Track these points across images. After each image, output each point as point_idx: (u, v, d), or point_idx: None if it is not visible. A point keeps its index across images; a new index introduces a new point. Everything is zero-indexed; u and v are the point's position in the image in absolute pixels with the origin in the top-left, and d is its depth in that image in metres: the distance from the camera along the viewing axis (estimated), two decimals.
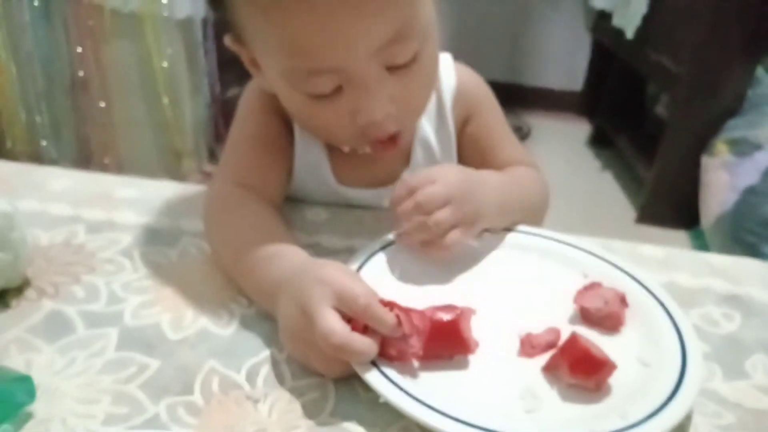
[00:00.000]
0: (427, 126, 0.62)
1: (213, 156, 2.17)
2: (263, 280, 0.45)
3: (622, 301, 0.46)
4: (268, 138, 0.58)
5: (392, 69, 0.47)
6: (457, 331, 0.40)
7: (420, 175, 0.49)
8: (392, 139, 0.52)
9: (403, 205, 0.48)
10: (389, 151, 0.53)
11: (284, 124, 0.60)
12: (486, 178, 0.54)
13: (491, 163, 0.63)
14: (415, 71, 0.48)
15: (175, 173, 2.06)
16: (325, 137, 0.55)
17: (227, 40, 0.51)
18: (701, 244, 1.83)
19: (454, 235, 0.48)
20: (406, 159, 0.63)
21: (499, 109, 0.67)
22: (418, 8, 0.46)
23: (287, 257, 0.45)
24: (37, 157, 2.12)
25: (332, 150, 0.61)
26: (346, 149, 0.55)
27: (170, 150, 2.04)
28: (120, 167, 2.09)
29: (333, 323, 0.37)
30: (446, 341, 0.40)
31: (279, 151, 0.59)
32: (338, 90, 0.47)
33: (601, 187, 2.27)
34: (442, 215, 0.47)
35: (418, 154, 0.63)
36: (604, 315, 0.45)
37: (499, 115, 0.66)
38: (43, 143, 2.10)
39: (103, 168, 2.10)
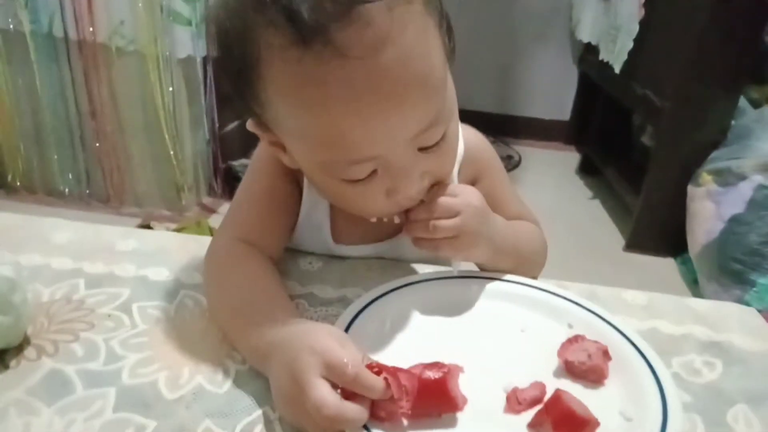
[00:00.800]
0: None
1: (211, 189, 2.19)
2: (257, 342, 0.46)
3: (605, 354, 0.47)
4: (275, 198, 0.60)
5: (423, 149, 0.49)
6: (445, 390, 0.41)
7: (450, 187, 0.54)
8: None
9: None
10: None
11: (293, 184, 0.61)
12: (496, 217, 0.59)
13: None
14: (443, 148, 0.50)
15: (176, 205, 2.08)
16: (356, 212, 0.56)
17: (249, 125, 0.52)
18: (689, 270, 1.85)
19: (446, 243, 0.53)
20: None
21: (503, 169, 0.69)
22: (447, 92, 0.49)
23: (280, 320, 0.46)
24: (37, 191, 2.14)
25: (335, 210, 0.62)
26: (373, 220, 0.57)
27: (171, 183, 2.07)
28: (122, 200, 2.12)
29: (324, 394, 0.38)
30: (435, 399, 0.41)
31: (284, 211, 0.61)
32: (373, 173, 0.48)
33: (589, 214, 2.30)
34: (445, 223, 0.52)
35: None
36: (588, 368, 0.47)
37: (504, 175, 0.69)
38: (47, 177, 2.12)
39: (106, 200, 2.12)
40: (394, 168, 0.48)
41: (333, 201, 0.58)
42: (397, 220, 0.55)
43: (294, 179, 0.61)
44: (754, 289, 1.56)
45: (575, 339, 0.49)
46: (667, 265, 1.95)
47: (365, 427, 0.39)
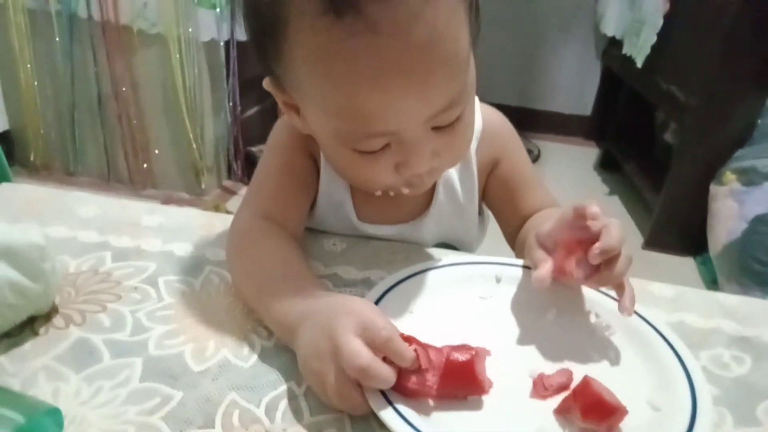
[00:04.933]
0: (451, 169, 0.64)
1: (231, 172, 2.21)
2: (285, 314, 0.46)
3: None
4: (294, 174, 0.60)
5: (437, 128, 0.49)
6: (472, 372, 0.41)
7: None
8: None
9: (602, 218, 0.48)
10: (417, 192, 0.55)
11: (311, 161, 0.62)
12: None
13: (519, 204, 0.65)
14: (457, 128, 0.50)
15: (196, 188, 2.10)
16: (362, 184, 0.57)
17: (265, 84, 0.52)
18: (708, 270, 1.83)
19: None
20: (429, 198, 0.64)
21: (524, 149, 0.68)
22: (468, 73, 0.49)
23: (309, 292, 0.47)
24: (60, 171, 2.16)
25: (355, 188, 0.62)
26: (378, 193, 0.57)
27: (191, 166, 2.08)
28: (143, 182, 2.14)
29: (359, 346, 0.39)
30: (461, 381, 0.41)
31: (304, 187, 0.61)
32: (386, 146, 0.48)
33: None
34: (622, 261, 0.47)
35: (440, 194, 0.64)
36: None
37: (525, 155, 0.68)
38: (68, 157, 2.14)
39: (126, 182, 2.14)
40: (407, 144, 0.48)
41: (340, 169, 0.58)
42: (405, 191, 0.55)
43: (311, 157, 0.61)
44: None
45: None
46: (686, 264, 1.93)
47: (390, 402, 0.39)
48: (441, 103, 0.46)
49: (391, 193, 0.56)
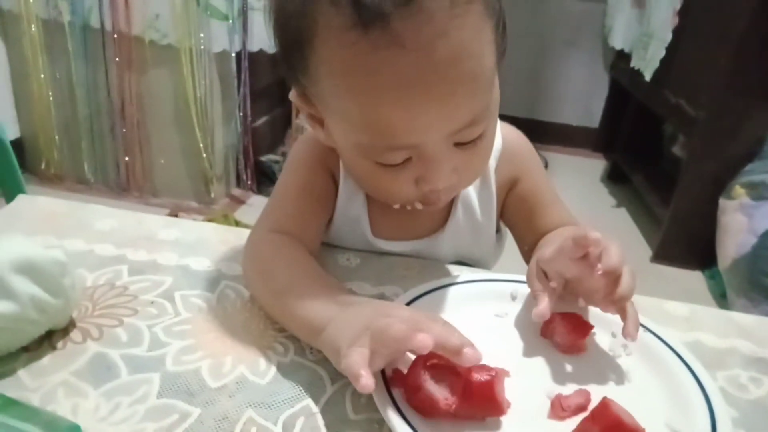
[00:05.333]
0: (470, 187, 0.64)
1: (241, 181, 2.22)
2: (313, 314, 0.46)
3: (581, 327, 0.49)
4: (313, 190, 0.60)
5: (459, 144, 0.49)
6: (492, 393, 0.41)
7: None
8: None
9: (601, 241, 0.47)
10: (433, 207, 0.56)
11: (329, 178, 0.62)
12: None
13: (537, 222, 0.65)
14: (478, 146, 0.50)
15: (205, 197, 2.12)
16: (381, 197, 0.57)
17: (292, 96, 0.53)
18: (717, 284, 1.82)
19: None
20: (446, 215, 0.65)
21: (543, 167, 0.68)
22: (493, 92, 0.49)
23: (338, 294, 0.48)
24: (71, 180, 2.18)
25: (372, 204, 0.63)
26: (396, 206, 0.57)
27: (200, 175, 2.10)
28: (153, 191, 2.15)
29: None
30: (480, 402, 0.41)
31: (322, 203, 0.61)
32: (407, 160, 0.49)
33: (616, 223, 2.27)
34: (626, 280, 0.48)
35: (459, 211, 0.64)
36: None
37: (544, 174, 0.68)
38: (79, 166, 2.16)
39: (136, 190, 2.15)
40: (428, 158, 0.48)
41: (360, 182, 0.58)
42: (419, 206, 0.55)
43: (330, 174, 0.62)
44: None
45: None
46: (695, 277, 1.92)
47: (408, 423, 0.39)
48: (463, 119, 0.46)
49: (408, 207, 0.57)
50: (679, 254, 1.97)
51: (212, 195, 2.11)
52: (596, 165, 2.79)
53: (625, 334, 0.47)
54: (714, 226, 1.84)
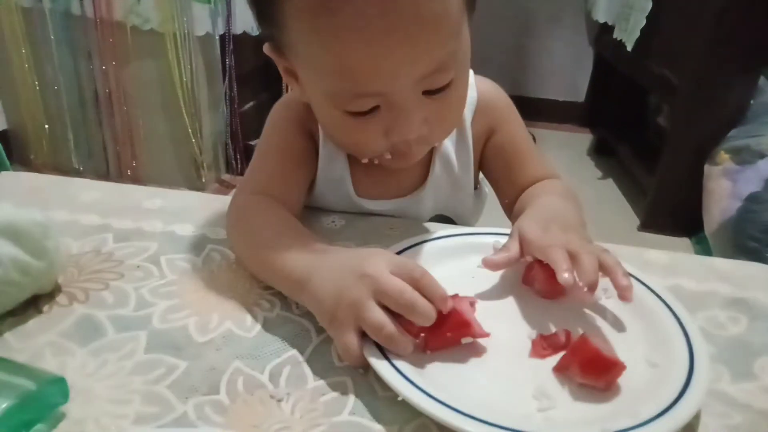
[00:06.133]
0: (446, 140, 0.64)
1: (230, 166, 2.21)
2: (292, 267, 0.47)
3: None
4: (293, 151, 0.61)
5: (428, 93, 0.49)
6: (457, 313, 0.42)
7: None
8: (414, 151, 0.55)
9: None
10: (407, 162, 0.56)
11: (309, 139, 0.62)
12: (568, 217, 0.55)
13: (516, 174, 0.65)
14: (449, 96, 0.51)
15: (195, 183, 2.11)
16: (351, 150, 0.58)
17: (266, 48, 0.53)
18: (704, 250, 1.84)
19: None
20: (425, 172, 0.65)
21: (521, 120, 0.68)
22: (461, 41, 0.49)
23: (316, 246, 0.48)
24: (59, 169, 2.17)
25: (353, 164, 0.63)
26: (365, 160, 0.58)
27: (190, 161, 2.09)
28: (142, 178, 2.14)
29: (381, 317, 0.41)
30: (449, 324, 0.42)
31: (302, 164, 0.62)
32: (375, 109, 0.49)
33: (603, 195, 2.28)
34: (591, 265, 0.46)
35: (437, 167, 0.65)
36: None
37: (522, 126, 0.68)
38: (67, 155, 2.14)
39: (126, 178, 2.14)
40: (396, 107, 0.48)
41: (332, 135, 0.58)
42: (388, 156, 0.55)
43: (309, 136, 0.62)
44: None
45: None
46: (682, 244, 1.94)
47: (391, 363, 0.40)
48: (429, 64, 0.46)
49: (375, 161, 0.57)
50: (665, 222, 1.98)
51: (202, 180, 2.10)
52: (583, 139, 2.80)
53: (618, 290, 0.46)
54: (699, 193, 1.85)
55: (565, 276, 0.44)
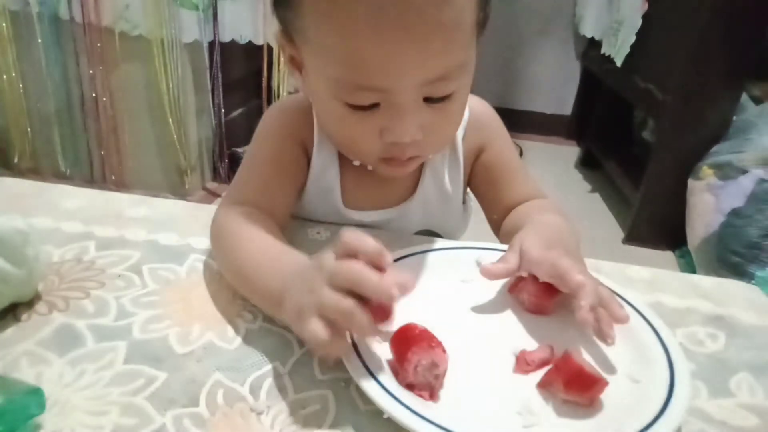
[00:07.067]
0: (438, 155, 0.64)
1: (216, 174, 2.20)
2: (268, 285, 0.46)
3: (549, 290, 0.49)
4: (282, 162, 0.60)
5: (428, 100, 0.50)
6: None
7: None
8: (407, 161, 0.55)
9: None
10: (399, 171, 0.56)
11: (301, 149, 0.62)
12: (569, 240, 0.55)
13: (503, 193, 0.65)
14: (448, 107, 0.51)
15: (179, 190, 2.10)
16: (345, 147, 0.57)
17: (276, 36, 0.54)
18: (688, 263, 1.86)
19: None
20: (414, 184, 0.65)
21: (510, 139, 0.69)
22: (470, 57, 0.50)
23: (292, 262, 0.47)
24: (43, 173, 2.14)
25: (345, 174, 0.63)
26: (356, 163, 0.58)
27: (175, 167, 2.08)
28: (127, 183, 2.13)
29: (337, 295, 0.38)
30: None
31: (291, 175, 0.61)
32: (375, 105, 0.49)
33: (589, 208, 2.31)
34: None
35: (427, 180, 0.65)
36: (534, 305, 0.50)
37: (511, 145, 0.69)
38: (52, 160, 2.12)
39: (110, 184, 2.12)
40: (395, 107, 0.49)
41: (329, 130, 0.58)
42: (382, 169, 0.55)
43: (301, 146, 0.62)
44: (753, 281, 1.57)
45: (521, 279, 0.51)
46: (666, 257, 1.96)
47: (373, 376, 0.40)
48: (436, 69, 0.47)
49: (369, 167, 0.57)
50: (650, 235, 2.01)
51: (187, 187, 2.09)
52: (570, 152, 2.83)
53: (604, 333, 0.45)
54: (683, 207, 1.88)
55: (577, 279, 0.45)
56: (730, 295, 0.59)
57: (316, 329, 0.38)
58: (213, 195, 2.17)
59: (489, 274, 0.50)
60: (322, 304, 0.39)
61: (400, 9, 0.43)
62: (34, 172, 2.15)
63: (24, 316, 0.47)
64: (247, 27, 1.96)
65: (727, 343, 0.51)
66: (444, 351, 0.41)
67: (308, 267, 0.43)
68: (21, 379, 0.40)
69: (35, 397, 0.37)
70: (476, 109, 0.66)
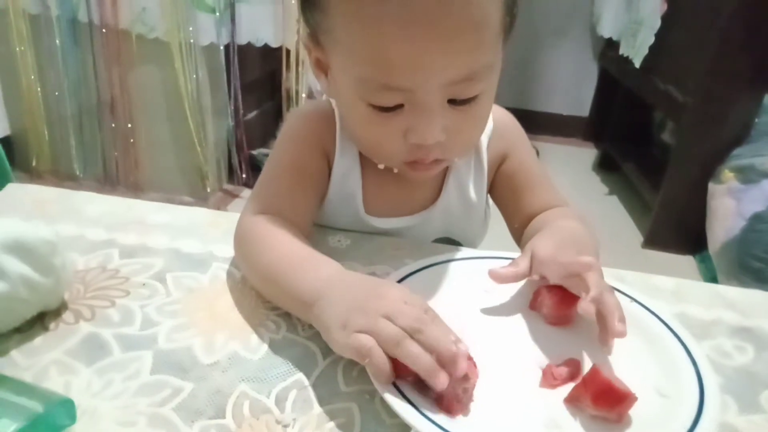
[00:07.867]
0: (462, 162, 0.64)
1: (233, 175, 2.22)
2: (303, 288, 0.46)
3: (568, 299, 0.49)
4: (305, 169, 0.60)
5: (453, 102, 0.50)
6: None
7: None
8: (431, 164, 0.55)
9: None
10: (423, 175, 0.56)
11: (323, 157, 0.62)
12: (584, 242, 0.56)
13: (524, 201, 0.65)
14: (472, 110, 0.51)
15: (197, 191, 2.11)
16: (370, 149, 0.57)
17: (304, 38, 0.54)
18: (708, 269, 1.83)
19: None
20: (437, 191, 0.65)
21: (532, 148, 0.69)
22: (496, 59, 0.50)
23: (328, 267, 0.48)
24: (61, 176, 2.17)
25: (367, 180, 0.63)
26: (381, 167, 0.58)
27: (193, 169, 2.09)
28: (145, 185, 2.14)
29: (398, 330, 0.40)
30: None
31: (313, 183, 0.61)
32: (399, 106, 0.49)
33: (607, 211, 2.28)
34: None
35: (450, 187, 0.65)
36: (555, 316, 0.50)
37: (533, 154, 0.69)
38: (69, 162, 2.15)
39: (127, 185, 2.14)
40: (420, 107, 0.49)
41: (354, 132, 0.58)
42: (407, 172, 0.56)
43: (323, 152, 0.62)
44: None
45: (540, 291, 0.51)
46: (686, 262, 1.94)
47: (399, 390, 0.40)
48: (462, 69, 0.47)
49: (395, 170, 0.57)
50: (669, 240, 1.98)
51: (207, 189, 2.10)
52: (587, 154, 2.80)
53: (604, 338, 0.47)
54: (704, 211, 1.85)
55: (586, 259, 0.47)
56: (756, 305, 0.58)
57: (366, 341, 0.40)
58: (231, 196, 2.18)
59: (498, 277, 0.50)
60: (379, 331, 0.40)
61: (427, 5, 0.43)
62: (51, 174, 2.18)
63: (52, 325, 0.47)
64: (263, 30, 1.97)
65: (756, 356, 0.51)
66: (475, 365, 0.40)
67: (358, 286, 0.44)
68: (51, 389, 0.40)
69: (66, 407, 0.38)
70: (500, 118, 0.66)
